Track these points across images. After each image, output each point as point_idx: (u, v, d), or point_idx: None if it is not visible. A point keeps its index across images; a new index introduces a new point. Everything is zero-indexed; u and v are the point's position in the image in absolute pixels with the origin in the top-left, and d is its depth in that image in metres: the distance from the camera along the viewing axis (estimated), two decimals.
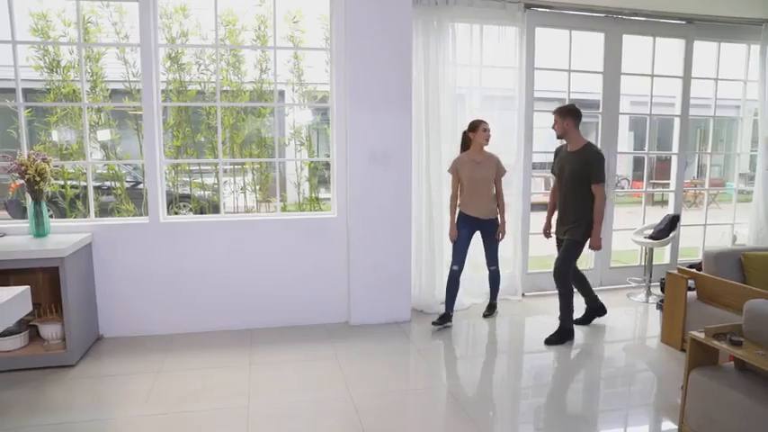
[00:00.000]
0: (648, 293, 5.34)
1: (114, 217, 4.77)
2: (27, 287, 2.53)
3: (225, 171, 4.80)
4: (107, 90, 5.08)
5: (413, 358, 3.94)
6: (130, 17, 4.82)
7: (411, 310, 4.69)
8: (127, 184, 5.50)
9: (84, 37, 4.56)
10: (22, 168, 3.82)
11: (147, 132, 4.20)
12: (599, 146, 4.61)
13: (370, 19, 4.27)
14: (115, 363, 3.77)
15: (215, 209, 5.50)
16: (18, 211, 7.13)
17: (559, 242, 4.29)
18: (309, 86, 5.41)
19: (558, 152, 4.32)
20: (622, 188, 13.69)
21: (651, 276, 5.36)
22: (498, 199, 4.58)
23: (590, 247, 4.14)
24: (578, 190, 4.07)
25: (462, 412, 3.10)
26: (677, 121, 5.83)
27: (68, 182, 5.04)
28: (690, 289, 4.00)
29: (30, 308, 2.56)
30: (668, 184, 6.24)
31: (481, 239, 4.63)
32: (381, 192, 4.43)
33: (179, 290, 4.30)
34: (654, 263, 5.42)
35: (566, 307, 4.23)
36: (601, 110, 5.52)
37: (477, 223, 4.52)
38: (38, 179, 3.85)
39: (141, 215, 4.80)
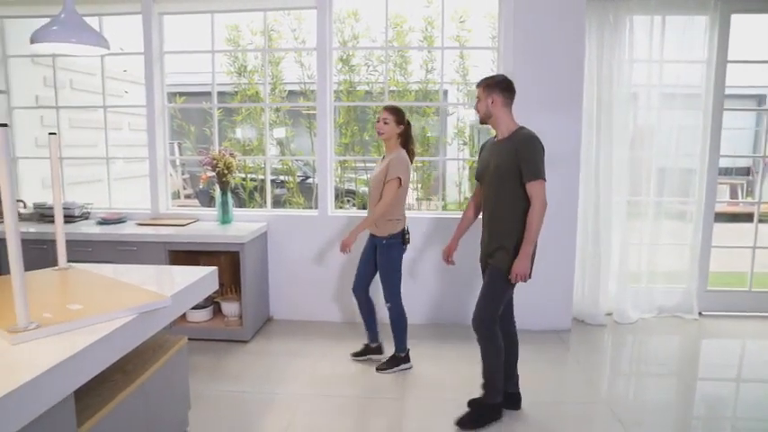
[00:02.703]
0: None
1: (287, 208, 5.16)
2: (215, 268, 2.84)
3: None
4: (285, 91, 5.52)
5: (571, 369, 3.75)
6: (307, 23, 5.18)
7: (572, 319, 4.46)
8: (297, 179, 5.91)
9: (267, 44, 4.98)
10: (214, 162, 4.28)
11: (319, 130, 4.47)
12: None
13: (540, 16, 4.13)
14: (282, 343, 4.08)
15: None
16: (206, 200, 8.01)
17: (484, 272, 3.06)
18: (474, 85, 5.38)
19: (482, 149, 3.12)
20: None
21: None
22: (373, 206, 3.52)
23: (514, 274, 2.78)
24: (506, 193, 2.81)
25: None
26: None
27: (248, 175, 5.57)
28: None
29: (216, 286, 2.87)
30: None
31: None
32: (546, 194, 4.25)
33: (343, 280, 4.53)
34: None
35: (488, 370, 2.94)
36: None
37: (370, 239, 3.65)
38: (225, 172, 4.29)
39: (310, 208, 5.13)
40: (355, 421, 3.02)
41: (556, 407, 3.18)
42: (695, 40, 4.52)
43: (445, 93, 4.95)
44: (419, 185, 5.52)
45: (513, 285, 2.88)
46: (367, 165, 5.82)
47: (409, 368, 3.66)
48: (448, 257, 3.30)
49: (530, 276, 2.83)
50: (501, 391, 2.99)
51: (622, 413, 3.10)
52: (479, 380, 3.00)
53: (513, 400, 3.12)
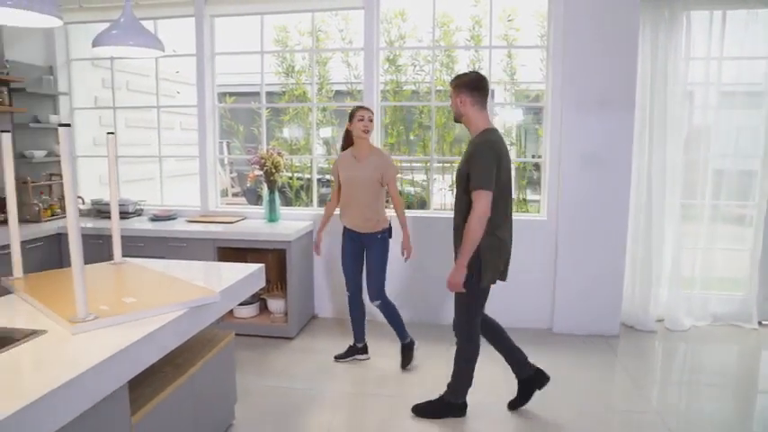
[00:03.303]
0: None
1: None
2: (262, 265, 2.89)
3: (434, 168, 4.93)
4: (331, 91, 5.57)
5: (619, 376, 3.64)
6: (355, 23, 5.21)
7: (620, 324, 4.34)
8: None
9: (315, 44, 5.04)
10: (262, 161, 4.35)
11: None
12: None
13: (592, 14, 4.03)
14: (327, 340, 4.12)
15: (421, 205, 5.70)
16: (253, 199, 8.15)
17: None
18: (522, 85, 5.31)
19: None
20: None
21: None
22: (396, 207, 3.60)
23: (448, 284, 2.76)
24: (462, 199, 2.78)
25: None
26: None
27: (295, 174, 5.65)
28: None
29: (263, 283, 2.92)
30: None
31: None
32: (596, 196, 4.17)
33: (387, 281, 4.52)
34: None
35: (458, 371, 2.99)
36: None
37: (357, 238, 3.66)
38: (273, 171, 4.36)
39: None
40: (398, 420, 3.02)
41: (603, 415, 3.10)
42: (758, 35, 4.32)
43: (492, 92, 4.88)
44: None
45: (482, 292, 2.86)
46: (413, 165, 5.81)
47: (367, 359, 3.79)
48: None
49: (503, 279, 2.87)
50: (464, 394, 3.03)
51: (675, 425, 2.99)
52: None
53: (538, 379, 3.11)
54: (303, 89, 5.51)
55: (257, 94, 4.85)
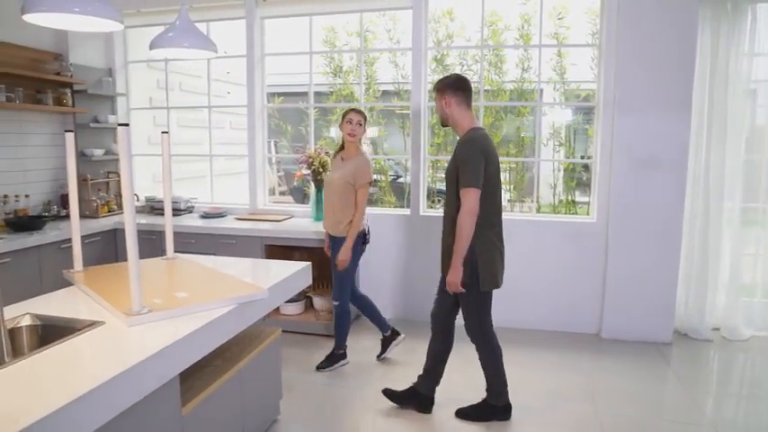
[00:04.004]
0: None
1: (379, 207, 5.22)
2: (309, 263, 2.92)
3: None
4: (378, 91, 5.59)
5: (671, 386, 3.51)
6: (402, 23, 5.21)
7: (673, 331, 4.19)
8: (389, 178, 5.96)
9: (363, 44, 5.06)
10: (310, 160, 4.40)
11: (413, 130, 4.48)
12: None
13: (647, 10, 3.90)
14: (370, 339, 4.12)
15: None
16: (299, 197, 8.26)
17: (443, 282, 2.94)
18: (572, 85, 5.19)
19: None
20: None
21: None
22: (353, 215, 3.52)
23: (447, 284, 2.77)
24: (452, 199, 2.79)
25: None
26: None
27: None
28: None
29: (310, 281, 2.95)
30: None
31: None
32: (649, 198, 4.04)
33: (430, 280, 4.50)
34: None
35: (490, 374, 2.98)
36: None
37: (332, 240, 3.64)
38: (321, 170, 4.40)
39: (401, 207, 5.16)
40: (443, 419, 3.00)
41: (654, 426, 2.99)
42: None
43: (541, 92, 4.81)
44: (512, 187, 5.40)
45: (482, 295, 2.83)
46: None
47: (347, 363, 3.74)
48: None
49: (497, 287, 2.83)
50: (504, 395, 2.99)
51: None
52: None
53: (426, 404, 3.08)
54: (350, 89, 5.55)
55: (305, 94, 4.91)
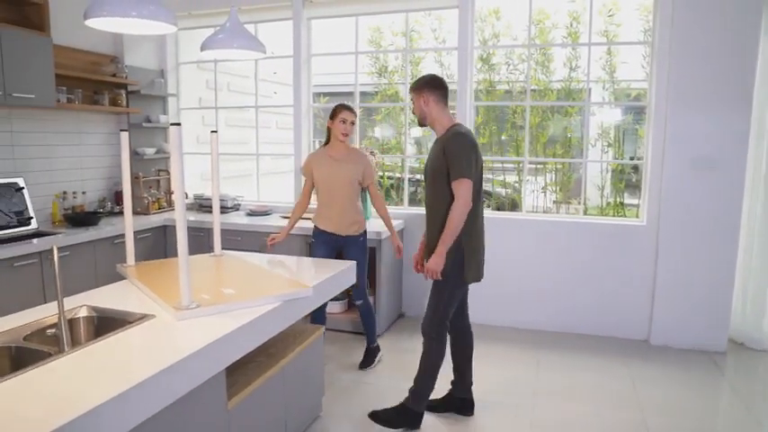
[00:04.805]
0: None
1: (423, 207, 5.20)
2: (353, 262, 2.94)
3: (527, 170, 4.80)
4: None
5: (726, 397, 3.38)
6: (448, 23, 5.19)
7: (728, 340, 4.03)
8: None
9: (409, 44, 5.06)
10: None
11: None
12: None
13: (705, 6, 3.76)
14: (412, 339, 4.12)
15: (512, 206, 5.58)
16: None
17: None
18: (622, 83, 5.06)
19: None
20: None
21: None
22: (382, 208, 3.57)
23: (426, 270, 2.73)
24: (438, 194, 2.77)
25: None
26: None
27: (386, 173, 5.70)
28: None
29: (354, 280, 2.97)
30: None
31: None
32: (703, 201, 3.89)
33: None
34: None
35: (423, 374, 2.88)
36: None
37: (333, 241, 3.55)
38: None
39: None
40: (485, 421, 2.97)
41: None
42: None
43: (589, 91, 4.70)
44: (557, 188, 5.29)
45: (460, 286, 2.83)
46: (504, 166, 5.71)
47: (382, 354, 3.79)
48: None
49: (478, 280, 2.83)
50: (425, 402, 2.92)
51: None
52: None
53: (466, 406, 3.06)
54: (396, 89, 5.56)
55: (350, 93, 4.94)
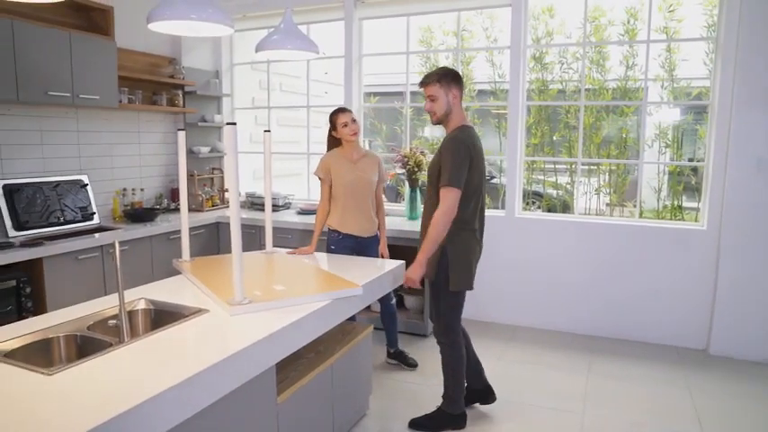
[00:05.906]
0: None
1: None
2: (402, 262, 2.94)
3: (580, 171, 4.68)
4: (474, 90, 5.52)
5: None
6: (500, 22, 5.12)
7: None
8: None
9: (460, 44, 5.02)
10: (405, 160, 4.43)
11: (510, 130, 4.38)
12: None
13: None
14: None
15: (564, 208, 5.46)
16: (391, 196, 8.35)
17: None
18: (682, 82, 4.86)
19: None
20: None
21: None
22: (381, 211, 3.58)
23: (405, 278, 2.71)
24: (435, 198, 2.66)
25: None
26: None
27: None
28: None
29: (402, 280, 2.96)
30: None
31: None
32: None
33: (524, 284, 4.40)
34: None
35: (448, 378, 2.84)
36: None
37: (355, 243, 3.44)
38: (416, 169, 4.42)
39: (496, 208, 5.06)
40: (533, 426, 2.92)
41: None
42: None
43: (646, 90, 4.53)
44: (611, 190, 5.14)
45: (455, 293, 2.75)
46: (557, 167, 5.59)
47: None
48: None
49: (469, 288, 2.74)
50: (461, 403, 2.87)
51: None
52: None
53: (486, 394, 3.06)
54: None
55: (400, 93, 4.94)
